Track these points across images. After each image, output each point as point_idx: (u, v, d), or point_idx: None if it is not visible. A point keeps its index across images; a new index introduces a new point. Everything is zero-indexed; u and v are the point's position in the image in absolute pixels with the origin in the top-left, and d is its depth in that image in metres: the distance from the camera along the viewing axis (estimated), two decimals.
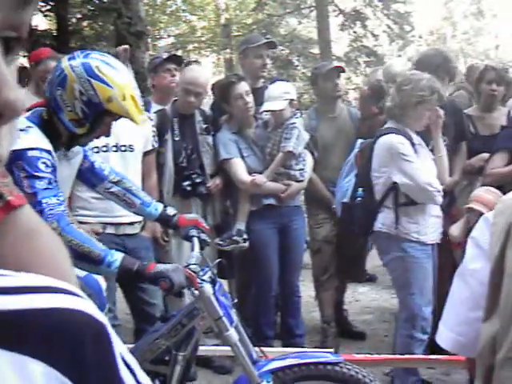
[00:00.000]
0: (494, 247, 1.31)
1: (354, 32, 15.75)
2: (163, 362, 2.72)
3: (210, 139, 4.30)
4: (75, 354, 0.47)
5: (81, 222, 3.35)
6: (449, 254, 3.99)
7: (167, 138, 4.20)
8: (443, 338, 1.47)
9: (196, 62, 6.92)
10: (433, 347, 4.40)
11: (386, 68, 5.30)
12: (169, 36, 17.69)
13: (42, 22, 11.94)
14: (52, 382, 0.45)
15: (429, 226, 3.78)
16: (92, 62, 2.46)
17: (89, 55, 2.50)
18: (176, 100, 4.36)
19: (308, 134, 4.39)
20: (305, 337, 4.51)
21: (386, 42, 16.46)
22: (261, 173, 4.19)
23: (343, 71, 5.02)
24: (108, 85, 2.44)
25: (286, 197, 4.23)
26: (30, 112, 2.52)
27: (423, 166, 3.71)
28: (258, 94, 4.32)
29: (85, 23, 11.93)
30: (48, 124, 2.50)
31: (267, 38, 4.91)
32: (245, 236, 4.12)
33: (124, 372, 0.52)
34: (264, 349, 2.90)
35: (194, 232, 2.87)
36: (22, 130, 2.40)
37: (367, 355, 3.43)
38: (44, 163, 2.37)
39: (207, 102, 4.81)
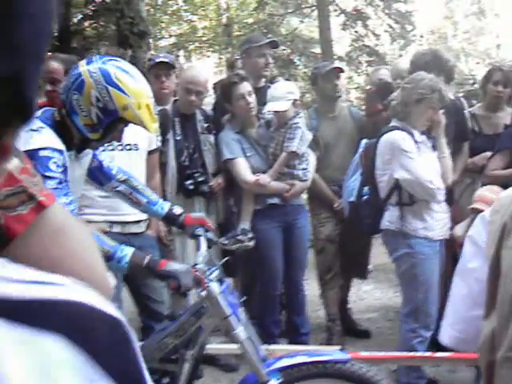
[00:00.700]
0: (490, 246, 1.33)
1: (356, 31, 15.74)
2: (171, 360, 2.74)
3: (211, 138, 4.32)
4: (95, 344, 0.48)
5: (87, 221, 3.37)
6: (448, 253, 4.01)
7: (169, 138, 4.21)
8: (444, 335, 1.52)
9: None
10: (439, 345, 4.44)
11: (394, 66, 5.33)
12: (170, 36, 17.70)
13: None
14: (72, 360, 0.46)
15: (436, 222, 3.79)
16: (110, 68, 2.48)
17: (107, 61, 2.52)
18: (177, 100, 4.37)
19: (311, 134, 4.40)
20: (310, 335, 4.51)
21: (387, 42, 16.46)
22: (264, 172, 4.20)
23: (342, 71, 5.02)
24: (125, 93, 2.45)
25: (289, 196, 4.24)
26: (40, 112, 2.53)
27: (425, 164, 3.72)
28: (261, 94, 4.33)
29: (86, 23, 11.94)
30: (60, 125, 2.51)
31: (269, 38, 4.92)
32: (250, 235, 4.13)
33: (146, 371, 0.53)
34: (271, 347, 2.91)
35: (200, 231, 2.88)
36: (34, 131, 2.41)
37: (373, 353, 3.44)
38: (55, 163, 2.37)
39: (209, 102, 4.81)
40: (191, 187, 4.20)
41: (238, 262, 4.44)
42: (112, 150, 3.66)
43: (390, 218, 3.84)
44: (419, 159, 3.71)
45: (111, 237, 3.28)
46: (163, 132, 4.15)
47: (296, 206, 4.36)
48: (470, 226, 3.36)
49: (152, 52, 10.12)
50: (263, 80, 4.72)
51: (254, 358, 2.64)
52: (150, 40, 12.10)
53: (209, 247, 2.84)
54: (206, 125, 4.33)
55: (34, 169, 2.35)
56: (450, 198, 4.30)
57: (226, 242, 4.09)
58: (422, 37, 17.05)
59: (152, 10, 15.81)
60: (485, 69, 5.87)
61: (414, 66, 4.40)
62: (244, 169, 4.21)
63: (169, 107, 4.32)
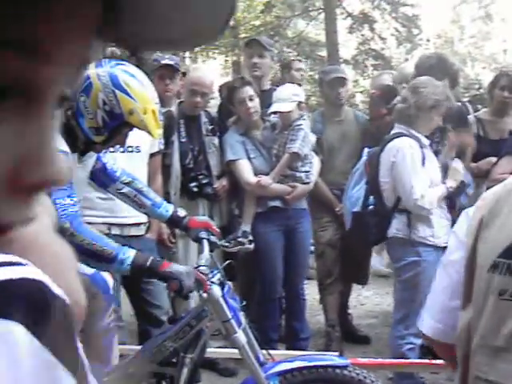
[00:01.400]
0: (468, 239, 1.39)
1: (362, 35, 15.74)
2: (171, 363, 2.74)
3: (215, 140, 4.32)
4: (48, 321, 0.48)
5: (86, 223, 3.37)
6: None
7: (173, 140, 4.21)
8: (424, 324, 1.55)
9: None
10: (435, 352, 4.42)
11: (399, 70, 5.33)
12: None
13: None
14: (33, 345, 0.46)
15: (441, 229, 3.78)
16: (118, 72, 2.49)
17: (116, 65, 2.53)
18: (182, 101, 4.37)
19: (315, 136, 4.40)
20: (309, 340, 4.50)
21: (393, 45, 16.45)
22: (267, 174, 4.20)
23: (346, 80, 4.99)
24: (131, 97, 2.46)
25: (291, 199, 4.23)
26: None
27: (425, 175, 3.72)
28: (265, 97, 4.33)
29: None
30: (65, 127, 2.52)
31: (275, 40, 4.92)
32: (250, 238, 4.12)
33: (80, 346, 0.53)
34: (271, 352, 2.91)
35: (203, 234, 2.89)
36: None
37: (371, 359, 3.43)
38: None
39: (214, 104, 4.82)
40: (195, 189, 4.21)
41: (237, 266, 4.44)
42: (113, 152, 3.66)
43: (397, 225, 3.81)
44: (421, 170, 3.70)
45: (111, 239, 3.31)
46: (168, 134, 4.15)
47: (298, 209, 4.35)
48: None
49: (158, 54, 10.11)
50: (268, 83, 4.72)
51: (253, 362, 2.64)
52: None
53: (211, 250, 2.85)
54: (210, 127, 4.33)
55: None
56: (453, 203, 4.29)
57: (226, 243, 4.08)
58: (428, 41, 17.05)
59: None
60: (491, 73, 5.88)
61: (419, 69, 4.40)
62: (246, 170, 4.22)
63: (174, 109, 4.32)
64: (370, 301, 6.14)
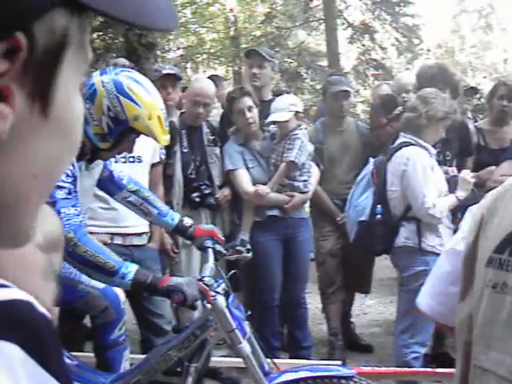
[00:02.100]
0: (469, 235, 1.45)
1: (363, 45, 15.79)
2: (175, 373, 2.74)
3: (217, 150, 4.34)
4: (39, 340, 0.49)
5: (89, 233, 3.38)
6: None
7: (176, 150, 4.22)
8: (423, 303, 1.65)
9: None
10: (439, 361, 4.41)
11: (396, 80, 5.34)
12: (178, 48, 17.78)
13: None
14: (29, 364, 0.47)
15: (446, 237, 3.79)
16: (123, 79, 2.51)
17: (120, 72, 2.55)
18: (183, 112, 4.39)
19: (312, 146, 4.41)
20: (312, 349, 4.50)
21: (394, 55, 16.50)
22: (266, 184, 4.21)
23: (350, 94, 4.98)
24: (136, 103, 2.48)
25: (289, 208, 4.24)
26: None
27: (435, 184, 3.73)
28: (266, 107, 4.34)
29: (94, 35, 12.00)
30: None
31: (276, 51, 4.94)
32: (248, 246, 4.13)
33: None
34: (275, 361, 2.90)
35: (209, 243, 2.89)
36: None
37: (374, 368, 3.43)
38: (65, 173, 2.38)
39: (215, 114, 4.83)
40: (197, 200, 4.23)
41: (241, 276, 4.45)
42: (115, 162, 3.67)
43: (406, 234, 3.81)
44: (431, 179, 3.72)
45: (113, 249, 3.32)
46: (170, 144, 4.15)
47: (297, 219, 4.36)
48: None
49: (160, 64, 10.15)
50: (269, 93, 4.74)
51: (258, 372, 2.63)
52: (158, 52, 12.16)
53: (216, 259, 2.85)
54: (212, 137, 4.35)
55: None
56: (454, 213, 4.29)
57: (224, 252, 4.08)
58: (429, 51, 17.08)
59: None
60: (491, 83, 5.88)
61: (420, 79, 4.41)
62: (245, 180, 4.23)
63: (176, 119, 4.34)
64: (373, 309, 6.14)
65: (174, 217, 2.97)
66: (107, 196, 3.15)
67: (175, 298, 2.43)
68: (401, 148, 3.80)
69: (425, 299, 1.66)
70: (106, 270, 2.37)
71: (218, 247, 2.89)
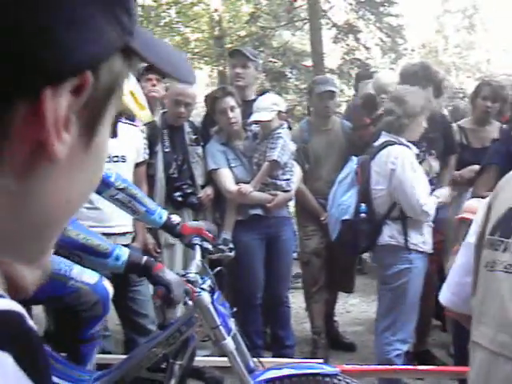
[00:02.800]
0: (479, 226, 1.55)
1: (347, 45, 15.81)
2: (160, 369, 2.74)
3: (199, 150, 4.35)
4: (30, 352, 0.49)
5: None
6: (434, 266, 4.03)
7: (157, 150, 4.22)
8: (442, 296, 1.75)
9: None
10: (421, 358, 4.45)
11: (375, 80, 5.35)
12: None
13: None
14: (19, 376, 0.47)
15: (428, 235, 3.83)
16: None
17: None
18: (165, 112, 4.39)
19: (295, 145, 4.42)
20: (295, 348, 4.51)
21: (378, 55, 16.54)
22: (248, 183, 4.22)
23: (335, 94, 5.00)
24: None
25: (272, 207, 4.25)
26: None
27: (421, 181, 3.76)
28: (250, 107, 4.34)
29: None
30: None
31: (260, 50, 4.95)
32: (230, 245, 4.14)
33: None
34: (260, 359, 2.91)
35: (196, 240, 2.90)
36: None
37: (356, 366, 3.45)
38: None
39: (197, 113, 4.84)
40: (180, 199, 4.23)
41: (224, 275, 4.45)
42: None
43: (390, 232, 3.83)
44: (417, 176, 3.74)
45: None
46: (152, 144, 4.17)
47: (280, 218, 4.37)
48: (457, 235, 3.42)
49: (144, 64, 10.13)
50: (253, 93, 4.74)
51: (241, 368, 2.65)
52: None
53: (203, 257, 2.87)
54: (194, 137, 4.35)
55: None
56: (436, 211, 4.32)
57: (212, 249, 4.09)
58: (413, 50, 17.15)
59: (145, 21, 15.84)
60: (475, 83, 5.93)
61: (403, 77, 4.44)
62: (227, 179, 4.24)
63: (157, 119, 4.34)
64: (356, 308, 6.16)
65: (161, 215, 2.97)
66: (91, 196, 3.13)
67: (159, 292, 2.43)
68: (385, 147, 3.82)
69: (443, 292, 1.75)
70: (99, 253, 2.37)
71: (206, 244, 2.91)
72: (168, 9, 16.82)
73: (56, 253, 2.37)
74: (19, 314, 0.50)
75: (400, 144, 3.80)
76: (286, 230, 4.40)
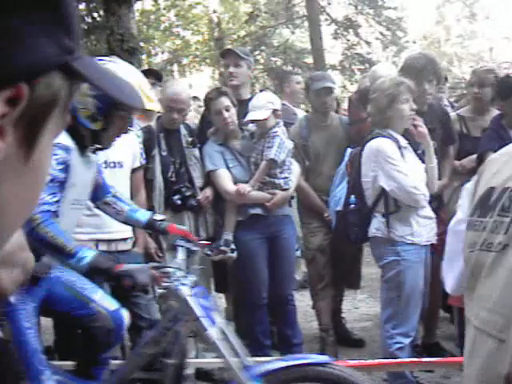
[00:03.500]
0: (467, 211, 1.58)
1: (348, 40, 15.81)
2: (154, 368, 2.81)
3: (196, 152, 4.34)
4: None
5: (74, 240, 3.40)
6: (437, 257, 4.00)
7: (155, 154, 4.22)
8: (445, 283, 1.78)
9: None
10: (431, 350, 4.42)
11: (371, 73, 5.33)
12: (163, 52, 17.76)
13: None
14: None
15: (422, 228, 3.80)
16: (98, 61, 2.58)
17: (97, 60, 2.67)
18: (160, 116, 4.39)
19: (292, 143, 4.41)
20: (303, 346, 4.49)
21: (379, 49, 16.52)
22: (247, 183, 4.21)
23: (332, 91, 4.98)
24: None
25: (271, 206, 4.23)
26: None
27: (409, 170, 3.73)
28: (245, 106, 4.33)
29: None
30: (72, 129, 2.69)
31: (261, 50, 4.95)
32: (232, 246, 4.14)
33: None
34: (261, 358, 2.94)
35: (181, 242, 3.01)
36: None
37: (360, 361, 3.43)
38: (56, 160, 2.56)
39: (193, 115, 4.84)
40: (179, 202, 4.22)
41: (229, 277, 4.46)
42: None
43: (377, 225, 3.83)
44: (404, 165, 3.72)
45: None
46: (149, 148, 4.17)
47: (280, 216, 4.34)
48: None
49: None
50: (248, 92, 4.74)
51: (225, 356, 2.67)
52: (144, 57, 12.15)
53: (188, 256, 2.97)
54: (190, 139, 4.35)
55: None
56: (439, 202, 4.31)
57: (209, 252, 4.08)
58: (414, 42, 17.13)
59: (145, 26, 15.88)
60: None
61: (407, 71, 4.40)
62: (226, 179, 4.23)
63: (153, 124, 4.35)
64: (364, 304, 6.14)
65: (145, 214, 3.12)
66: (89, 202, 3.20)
67: (126, 283, 2.55)
68: (372, 139, 3.83)
69: (445, 280, 1.79)
70: (64, 252, 2.51)
71: (189, 245, 3.01)
72: (167, 12, 16.85)
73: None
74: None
75: (385, 136, 3.78)
76: (286, 229, 4.39)
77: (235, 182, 4.22)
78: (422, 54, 4.70)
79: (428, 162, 3.97)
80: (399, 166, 3.70)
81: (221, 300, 5.03)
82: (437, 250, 3.95)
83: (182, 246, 2.94)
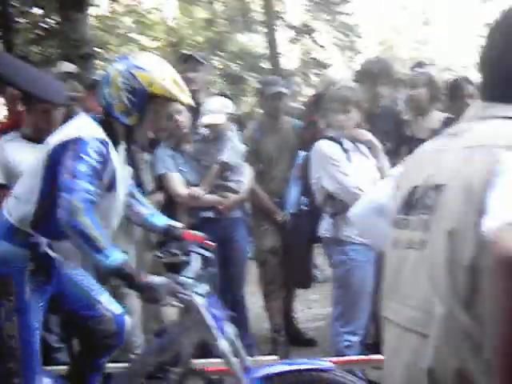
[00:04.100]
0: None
1: (304, 45, 15.94)
2: (158, 377, 2.78)
3: (145, 156, 4.33)
4: None
5: None
6: None
7: None
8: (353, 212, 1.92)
9: None
10: (374, 348, 4.49)
11: (322, 77, 5.41)
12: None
13: None
14: None
15: None
16: (131, 58, 2.75)
17: (129, 56, 2.81)
18: None
19: (244, 146, 4.45)
20: (255, 347, 4.52)
21: (336, 54, 16.69)
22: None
23: (285, 93, 5.04)
24: (147, 71, 2.67)
25: (224, 209, 4.27)
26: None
27: (354, 171, 3.79)
28: (198, 110, 4.36)
29: (32, 47, 11.85)
30: (105, 123, 2.71)
31: (218, 55, 4.97)
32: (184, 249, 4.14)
33: None
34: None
35: (196, 248, 2.99)
36: (81, 125, 2.67)
37: None
38: (95, 151, 2.54)
39: None
40: None
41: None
42: None
43: (326, 225, 3.90)
44: (347, 166, 3.78)
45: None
46: None
47: (232, 219, 4.38)
48: None
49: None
50: (203, 96, 4.77)
51: (235, 368, 2.67)
52: (101, 62, 12.06)
53: (205, 266, 2.91)
54: None
55: (73, 150, 2.55)
56: None
57: (160, 255, 4.08)
58: (368, 48, 17.34)
59: (101, 32, 15.76)
60: None
61: (361, 76, 4.49)
62: (177, 183, 4.25)
63: None
64: (317, 304, 6.20)
65: (161, 219, 3.16)
66: None
67: (148, 295, 2.49)
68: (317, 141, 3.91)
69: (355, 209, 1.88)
70: (95, 245, 2.40)
71: (207, 253, 2.98)
72: (124, 17, 16.74)
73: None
74: None
75: (328, 139, 3.85)
76: (238, 231, 4.43)
77: (188, 186, 4.24)
78: (377, 58, 4.79)
79: (378, 163, 4.03)
80: (341, 166, 3.76)
81: None
82: None
83: (197, 253, 2.91)
